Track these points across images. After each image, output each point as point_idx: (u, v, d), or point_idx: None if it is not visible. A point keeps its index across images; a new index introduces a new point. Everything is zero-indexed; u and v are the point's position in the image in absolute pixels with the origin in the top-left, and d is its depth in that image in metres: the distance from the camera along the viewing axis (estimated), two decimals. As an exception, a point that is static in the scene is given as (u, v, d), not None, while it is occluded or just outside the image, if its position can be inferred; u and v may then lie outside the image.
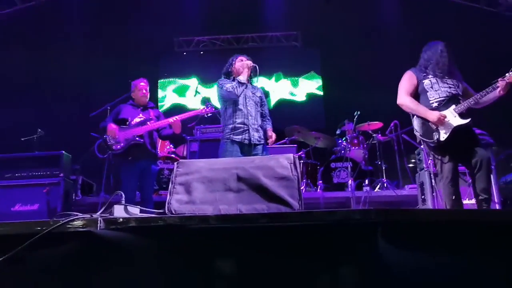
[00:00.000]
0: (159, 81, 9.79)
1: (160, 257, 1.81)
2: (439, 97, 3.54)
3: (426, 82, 3.61)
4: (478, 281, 1.73)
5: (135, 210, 2.15)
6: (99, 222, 1.77)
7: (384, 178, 6.12)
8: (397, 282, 1.72)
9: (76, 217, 1.79)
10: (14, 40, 8.85)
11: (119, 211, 2.03)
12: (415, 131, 3.67)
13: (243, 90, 4.00)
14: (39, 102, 8.42)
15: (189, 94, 9.80)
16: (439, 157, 3.52)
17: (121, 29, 9.16)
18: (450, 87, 3.55)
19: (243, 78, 4.04)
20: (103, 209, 2.05)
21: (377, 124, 6.64)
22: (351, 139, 6.59)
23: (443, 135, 3.43)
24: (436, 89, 3.56)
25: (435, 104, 3.54)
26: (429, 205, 4.64)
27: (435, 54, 3.68)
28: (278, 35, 10.16)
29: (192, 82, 9.87)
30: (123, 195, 2.15)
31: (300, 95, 9.88)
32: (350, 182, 5.68)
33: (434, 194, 4.54)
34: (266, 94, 9.21)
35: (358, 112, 6.46)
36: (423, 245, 1.76)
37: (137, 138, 4.36)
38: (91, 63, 8.93)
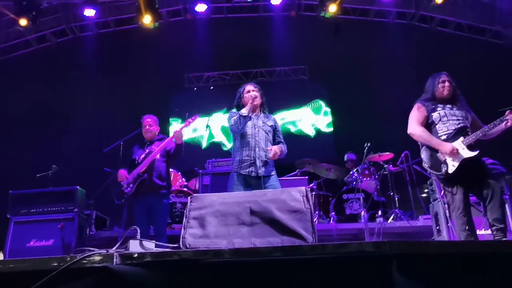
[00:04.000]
0: (170, 119, 9.87)
1: (176, 291, 1.82)
2: (448, 130, 3.54)
3: (435, 115, 3.64)
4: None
5: (150, 245, 2.18)
6: (115, 257, 1.79)
7: (397, 208, 6.05)
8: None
9: (93, 252, 1.82)
10: (29, 79, 9.15)
11: (134, 246, 2.05)
12: (423, 162, 3.68)
13: (245, 123, 3.93)
14: (54, 138, 8.59)
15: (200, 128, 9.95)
16: (449, 189, 3.50)
17: (132, 66, 9.44)
18: (458, 119, 3.56)
19: (245, 111, 3.95)
20: (118, 244, 2.08)
21: (387, 155, 6.62)
22: (362, 170, 6.58)
23: (451, 168, 3.43)
24: (445, 122, 3.58)
25: (443, 137, 3.54)
26: (444, 236, 4.57)
27: (432, 84, 3.75)
28: (286, 69, 10.36)
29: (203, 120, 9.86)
30: (138, 230, 2.18)
31: (309, 129, 9.95)
32: (363, 213, 5.62)
33: (449, 224, 4.47)
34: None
35: (369, 144, 6.46)
36: (439, 278, 1.74)
37: (140, 174, 4.44)
38: (104, 100, 9.17)
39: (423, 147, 3.68)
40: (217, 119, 9.75)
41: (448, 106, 3.66)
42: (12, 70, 9.37)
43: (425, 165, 3.65)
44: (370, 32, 9.48)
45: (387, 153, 6.61)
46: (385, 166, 6.52)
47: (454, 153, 3.42)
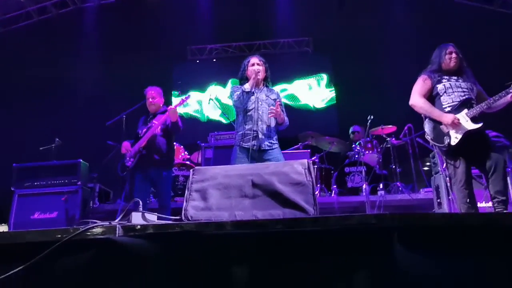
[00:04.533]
0: (173, 91, 9.78)
1: (178, 263, 1.84)
2: (452, 102, 3.51)
3: (440, 86, 3.60)
4: (495, 286, 1.71)
5: (152, 217, 2.19)
6: (117, 229, 1.80)
7: (399, 182, 6.07)
8: None
9: (95, 224, 1.83)
10: (31, 51, 9.06)
11: (137, 218, 2.07)
12: (426, 135, 3.68)
13: (249, 98, 3.88)
14: (57, 111, 8.57)
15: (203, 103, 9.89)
16: (451, 162, 3.50)
17: (135, 38, 9.31)
18: (464, 91, 3.53)
19: (248, 87, 3.90)
20: (121, 216, 2.09)
21: (390, 128, 6.59)
22: (364, 143, 6.57)
23: (454, 140, 3.42)
24: (450, 94, 3.54)
25: (448, 109, 3.52)
26: (445, 208, 4.59)
27: (439, 55, 3.70)
28: (290, 41, 10.20)
29: (205, 96, 9.81)
30: (141, 203, 2.19)
31: (312, 102, 9.89)
32: (364, 186, 5.65)
33: (450, 197, 4.49)
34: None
35: (371, 117, 6.38)
36: (439, 250, 1.75)
37: (140, 150, 4.43)
38: (106, 72, 9.10)
39: (426, 119, 3.66)
40: (216, 92, 9.66)
41: (453, 77, 3.61)
42: (13, 42, 9.29)
43: (428, 137, 3.64)
44: (376, 2, 9.27)
45: (390, 126, 6.58)
46: (388, 139, 6.51)
47: (456, 123, 3.40)
